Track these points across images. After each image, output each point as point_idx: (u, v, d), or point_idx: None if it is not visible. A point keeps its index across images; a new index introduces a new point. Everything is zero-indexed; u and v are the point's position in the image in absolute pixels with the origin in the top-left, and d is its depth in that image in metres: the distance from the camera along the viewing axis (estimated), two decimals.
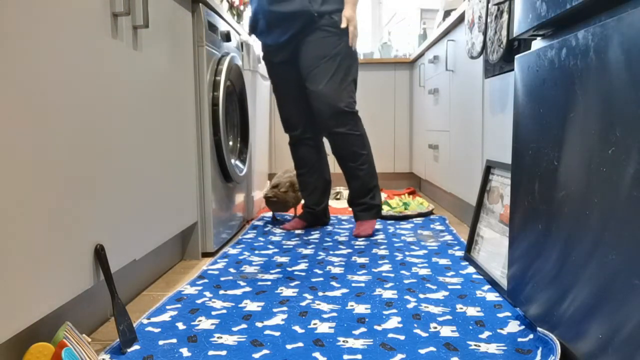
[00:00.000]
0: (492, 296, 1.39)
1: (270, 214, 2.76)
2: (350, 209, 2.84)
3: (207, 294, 1.44)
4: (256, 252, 1.93)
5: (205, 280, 1.56)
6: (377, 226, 2.41)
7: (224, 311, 1.30)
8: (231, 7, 3.00)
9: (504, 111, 1.78)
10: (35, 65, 0.89)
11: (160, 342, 1.11)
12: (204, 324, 1.21)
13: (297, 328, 1.18)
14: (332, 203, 3.11)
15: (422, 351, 1.05)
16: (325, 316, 1.26)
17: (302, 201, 2.46)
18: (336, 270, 1.66)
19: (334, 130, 2.12)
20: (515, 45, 1.58)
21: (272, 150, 3.78)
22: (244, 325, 1.20)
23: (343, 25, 2.08)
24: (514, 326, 1.18)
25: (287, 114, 2.30)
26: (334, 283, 1.52)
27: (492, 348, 1.06)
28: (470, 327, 1.17)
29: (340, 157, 2.18)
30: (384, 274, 1.61)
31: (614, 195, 0.75)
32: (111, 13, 1.17)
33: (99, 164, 1.12)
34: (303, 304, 1.35)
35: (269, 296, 1.41)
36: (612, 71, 0.76)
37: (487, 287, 1.47)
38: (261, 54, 2.35)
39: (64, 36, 0.98)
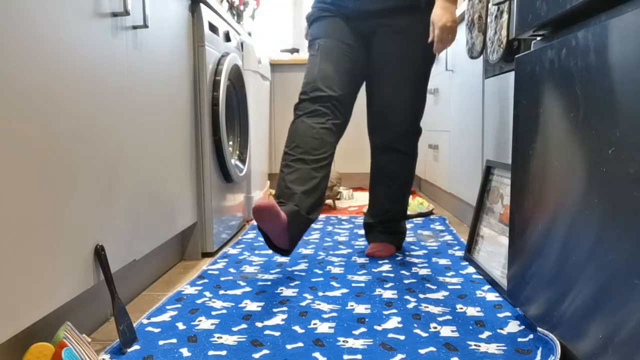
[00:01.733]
0: (492, 296, 1.39)
1: None
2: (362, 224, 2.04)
3: (207, 294, 1.44)
4: (256, 252, 1.93)
5: (205, 280, 1.56)
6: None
7: (224, 311, 1.30)
8: (231, 7, 3.00)
9: (504, 111, 1.78)
10: (33, 65, 0.89)
11: (160, 342, 1.11)
12: (204, 324, 1.21)
13: (297, 328, 1.18)
14: (332, 203, 3.11)
15: (422, 351, 1.05)
16: (325, 316, 1.26)
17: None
18: (336, 270, 1.66)
19: (395, 146, 1.78)
20: (515, 45, 1.58)
21: (272, 150, 3.78)
22: (244, 325, 1.20)
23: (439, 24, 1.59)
24: (514, 326, 1.18)
25: (330, 73, 1.68)
26: (334, 283, 1.52)
27: (492, 348, 1.06)
28: (470, 327, 1.17)
29: (387, 176, 1.83)
30: (384, 274, 1.61)
31: (614, 195, 0.75)
32: (111, 13, 1.17)
33: (99, 164, 1.12)
34: (303, 304, 1.35)
35: (269, 296, 1.41)
36: (612, 71, 0.76)
37: (487, 287, 1.47)
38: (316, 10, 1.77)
39: (64, 36, 0.98)
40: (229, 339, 1.12)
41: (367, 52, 1.75)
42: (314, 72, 1.67)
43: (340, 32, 1.70)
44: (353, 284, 1.51)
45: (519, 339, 1.10)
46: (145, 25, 1.30)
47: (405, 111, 1.76)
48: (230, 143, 2.24)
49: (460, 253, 1.86)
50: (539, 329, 1.04)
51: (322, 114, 1.64)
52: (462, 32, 2.32)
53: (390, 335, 1.14)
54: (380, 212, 1.86)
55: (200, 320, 1.23)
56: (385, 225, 1.87)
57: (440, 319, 1.23)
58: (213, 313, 1.28)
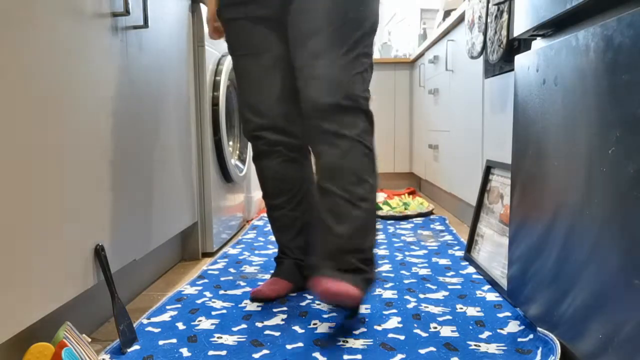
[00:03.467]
0: (492, 296, 1.38)
1: None
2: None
3: (207, 294, 1.44)
4: (256, 252, 1.93)
5: (205, 280, 1.56)
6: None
7: (224, 311, 1.30)
8: None
9: (504, 111, 1.78)
10: (32, 65, 0.89)
11: (160, 342, 1.11)
12: (204, 324, 1.21)
13: (297, 328, 1.18)
14: None
15: (422, 351, 1.05)
16: (325, 316, 1.26)
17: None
18: None
19: (327, 128, 1.19)
20: (515, 45, 1.58)
21: None
22: (244, 325, 1.20)
23: None
24: (514, 326, 1.18)
25: (254, 99, 1.36)
26: None
27: (492, 348, 1.06)
28: (470, 327, 1.17)
29: (326, 178, 1.21)
30: (384, 274, 1.61)
31: (614, 195, 0.75)
32: (111, 13, 1.17)
33: (99, 163, 1.12)
34: (303, 304, 1.35)
35: None
36: (612, 71, 0.76)
37: (487, 287, 1.47)
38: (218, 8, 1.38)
39: (63, 36, 0.98)
40: (229, 339, 1.12)
41: (285, 26, 1.33)
42: (240, 101, 1.41)
43: (250, 38, 1.35)
44: None
45: (519, 339, 1.10)
46: (145, 25, 1.30)
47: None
48: (231, 143, 2.24)
49: (460, 253, 1.86)
50: (539, 329, 1.04)
51: (270, 153, 1.40)
52: (462, 32, 2.32)
53: (390, 335, 1.14)
54: (322, 245, 1.25)
55: (200, 320, 1.23)
56: (338, 261, 1.23)
57: (440, 319, 1.23)
58: (213, 313, 1.28)
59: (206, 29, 1.84)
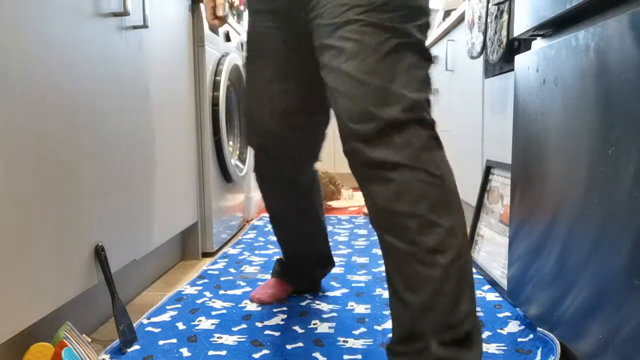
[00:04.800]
0: (492, 296, 1.38)
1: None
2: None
3: (207, 294, 1.44)
4: (256, 252, 1.93)
5: (205, 280, 1.56)
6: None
7: (224, 311, 1.30)
8: (231, 7, 3.00)
9: (504, 111, 1.78)
10: (33, 65, 0.89)
11: (160, 342, 1.11)
12: (204, 324, 1.21)
13: (297, 328, 1.18)
14: (331, 202, 3.11)
15: None
16: (325, 316, 1.25)
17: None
18: (336, 270, 1.66)
19: (369, 158, 0.84)
20: (515, 45, 1.58)
21: None
22: (244, 325, 1.20)
23: None
24: (514, 326, 1.18)
25: (256, 109, 1.16)
26: (334, 283, 1.52)
27: (492, 348, 1.06)
28: None
29: (382, 228, 0.86)
30: (384, 274, 1.61)
31: (614, 195, 0.75)
32: (111, 13, 1.17)
33: (99, 163, 1.12)
34: (303, 304, 1.35)
35: None
36: (612, 71, 0.76)
37: (487, 287, 1.47)
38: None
39: (63, 36, 0.98)
40: (229, 339, 1.12)
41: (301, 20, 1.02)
42: (246, 110, 1.21)
43: (262, 35, 1.13)
44: (353, 284, 1.51)
45: (519, 339, 1.10)
46: (145, 25, 1.30)
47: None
48: (231, 143, 2.24)
49: None
50: (539, 329, 1.04)
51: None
52: (462, 32, 2.32)
53: (390, 335, 1.13)
54: (395, 333, 0.88)
55: (200, 320, 1.23)
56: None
57: None
58: (213, 313, 1.28)
59: (206, 29, 1.84)
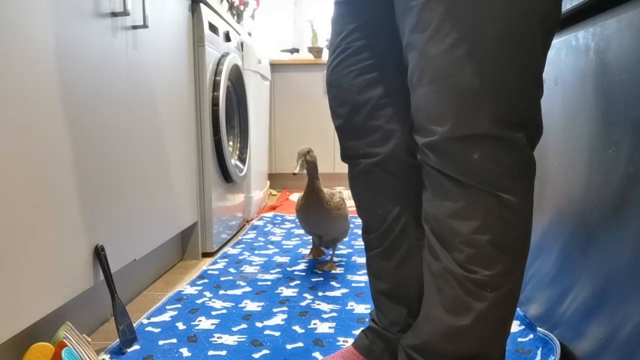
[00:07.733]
0: None
1: (270, 214, 2.73)
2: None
3: (207, 294, 1.44)
4: (256, 252, 1.93)
5: (205, 280, 1.56)
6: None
7: (224, 311, 1.30)
8: (231, 7, 3.00)
9: None
10: (33, 65, 0.89)
11: (160, 342, 1.11)
12: (204, 324, 1.21)
13: (297, 328, 1.18)
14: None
15: None
16: (325, 316, 1.25)
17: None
18: (336, 270, 1.66)
19: (433, 166, 0.72)
20: None
21: (272, 150, 3.78)
22: (244, 325, 1.20)
23: None
24: (514, 326, 1.17)
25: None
26: (334, 283, 1.52)
27: None
28: None
29: (428, 243, 0.75)
30: None
31: (614, 195, 0.75)
32: (111, 13, 1.17)
33: (99, 164, 1.12)
34: (303, 304, 1.35)
35: (269, 296, 1.41)
36: (612, 71, 0.76)
37: None
38: None
39: (63, 36, 0.98)
40: (229, 339, 1.12)
41: None
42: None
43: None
44: (353, 284, 1.51)
45: (519, 339, 1.10)
46: (145, 25, 1.30)
47: None
48: (230, 143, 2.24)
49: None
50: (539, 329, 1.04)
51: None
52: None
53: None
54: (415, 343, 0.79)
55: (200, 320, 1.23)
56: None
57: None
58: (213, 313, 1.28)
59: (206, 29, 1.84)
